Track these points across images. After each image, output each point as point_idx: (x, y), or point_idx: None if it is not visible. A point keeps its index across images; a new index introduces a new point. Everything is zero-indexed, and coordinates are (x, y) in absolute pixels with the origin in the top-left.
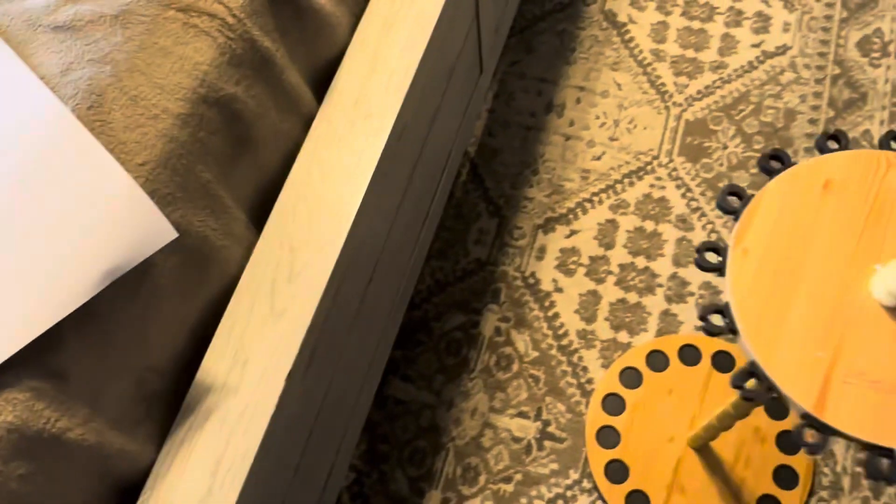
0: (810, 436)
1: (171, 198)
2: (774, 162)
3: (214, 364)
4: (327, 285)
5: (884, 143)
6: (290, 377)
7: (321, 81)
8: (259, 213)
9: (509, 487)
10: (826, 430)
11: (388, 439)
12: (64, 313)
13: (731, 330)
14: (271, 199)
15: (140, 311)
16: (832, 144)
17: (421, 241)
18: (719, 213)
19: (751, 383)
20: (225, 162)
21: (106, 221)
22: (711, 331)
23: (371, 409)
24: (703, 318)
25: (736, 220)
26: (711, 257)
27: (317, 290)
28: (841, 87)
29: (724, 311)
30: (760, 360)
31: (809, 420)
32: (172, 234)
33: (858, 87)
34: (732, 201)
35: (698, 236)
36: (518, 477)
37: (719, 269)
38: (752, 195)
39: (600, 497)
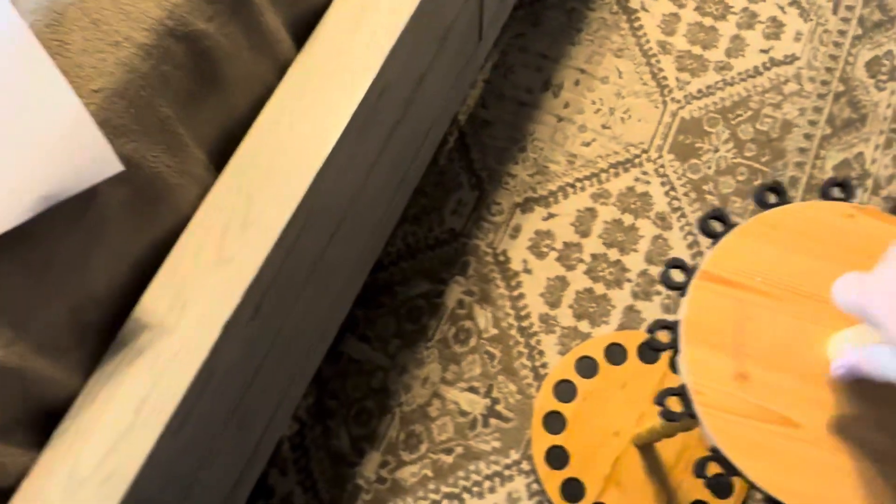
0: (674, 404)
1: (125, 129)
2: (770, 194)
3: (153, 303)
4: (280, 237)
5: (825, 193)
6: (229, 326)
7: (302, 30)
8: (221, 156)
9: (449, 459)
10: (730, 470)
11: (337, 395)
12: None
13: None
14: (236, 143)
15: (82, 240)
16: (771, 197)
17: (394, 203)
18: (698, 214)
19: (675, 404)
20: (188, 99)
21: (49, 145)
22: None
23: (323, 364)
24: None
25: (713, 243)
26: (677, 275)
27: (268, 241)
28: (842, 106)
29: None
30: (691, 385)
31: (716, 454)
32: (118, 167)
33: (859, 108)
34: (714, 225)
35: (675, 236)
36: (459, 450)
37: (682, 289)
38: (735, 224)
39: (537, 480)
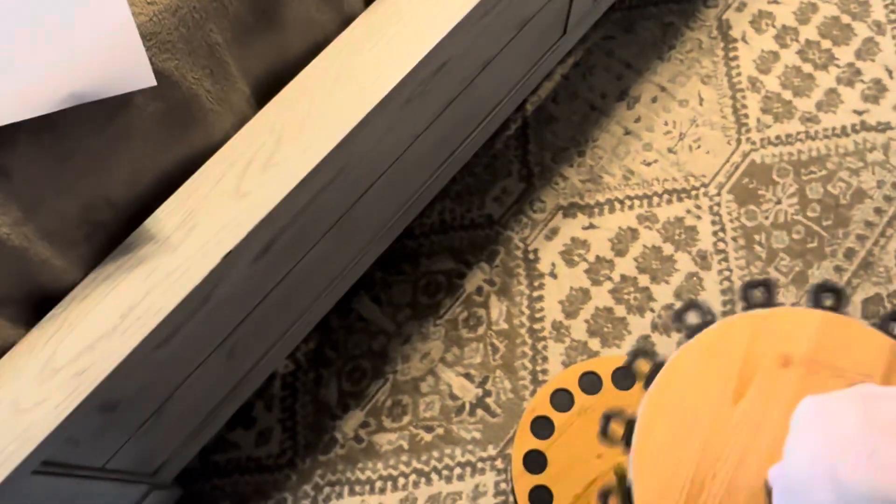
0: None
1: (170, 46)
2: (758, 291)
3: (164, 218)
4: (300, 183)
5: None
6: (230, 257)
7: None
8: (265, 93)
9: (428, 437)
10: None
11: (338, 348)
12: (17, 117)
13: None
14: (283, 84)
15: (106, 143)
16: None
17: (439, 177)
18: (741, 262)
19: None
20: (242, 31)
21: (89, 45)
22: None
23: (331, 314)
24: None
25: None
26: (692, 317)
27: (287, 185)
28: None
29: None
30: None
31: None
32: (151, 82)
33: None
34: (757, 293)
35: (711, 278)
36: (440, 431)
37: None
38: (778, 303)
39: (507, 480)
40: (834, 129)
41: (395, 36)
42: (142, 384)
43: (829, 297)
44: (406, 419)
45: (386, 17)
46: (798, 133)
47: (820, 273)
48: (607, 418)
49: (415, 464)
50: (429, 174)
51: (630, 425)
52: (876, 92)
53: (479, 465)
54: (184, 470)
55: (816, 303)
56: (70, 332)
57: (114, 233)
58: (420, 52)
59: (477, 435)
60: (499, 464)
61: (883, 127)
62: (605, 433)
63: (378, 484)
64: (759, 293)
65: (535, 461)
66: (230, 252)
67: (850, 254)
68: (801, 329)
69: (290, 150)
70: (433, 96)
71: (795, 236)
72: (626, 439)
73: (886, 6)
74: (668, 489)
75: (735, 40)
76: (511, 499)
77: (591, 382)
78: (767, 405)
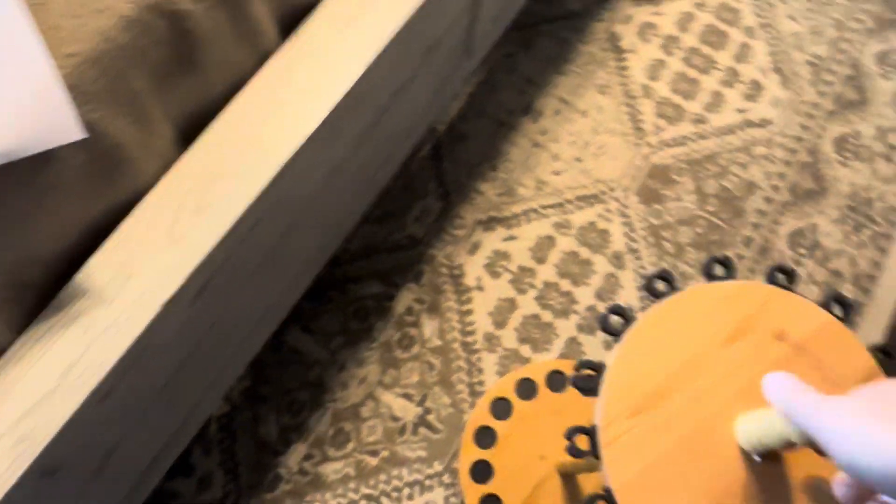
0: (582, 442)
1: (93, 97)
2: (659, 282)
3: (97, 271)
4: (234, 225)
5: (770, 278)
6: (169, 305)
7: (289, 24)
8: (190, 135)
9: (373, 461)
10: None
11: (272, 383)
12: None
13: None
14: (206, 125)
15: (30, 200)
16: (719, 270)
17: (359, 203)
18: (653, 259)
19: (583, 442)
20: (164, 76)
21: (13, 102)
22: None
23: (263, 350)
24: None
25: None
26: (616, 321)
27: (222, 228)
28: (805, 176)
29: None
30: (601, 422)
31: (608, 495)
32: (80, 134)
33: (821, 181)
34: (659, 285)
35: (627, 277)
36: (385, 454)
37: (617, 335)
38: (635, 317)
39: (456, 494)
40: (721, 128)
41: (315, 71)
42: (82, 444)
43: (782, 277)
44: (350, 446)
45: (303, 53)
46: (691, 134)
47: None
48: (570, 437)
49: (363, 489)
50: (351, 201)
51: (593, 433)
52: (754, 91)
53: (427, 482)
54: None
55: (771, 280)
56: (7, 397)
57: (44, 292)
58: (342, 87)
59: (422, 453)
60: (446, 479)
61: (764, 123)
62: (573, 453)
63: None
64: (661, 286)
65: (481, 471)
66: (169, 299)
67: (747, 241)
68: (806, 318)
69: (222, 191)
70: (352, 126)
71: (699, 230)
72: (593, 450)
73: (755, 13)
74: (632, 391)
75: (625, 51)
76: None
77: (527, 388)
78: (754, 356)
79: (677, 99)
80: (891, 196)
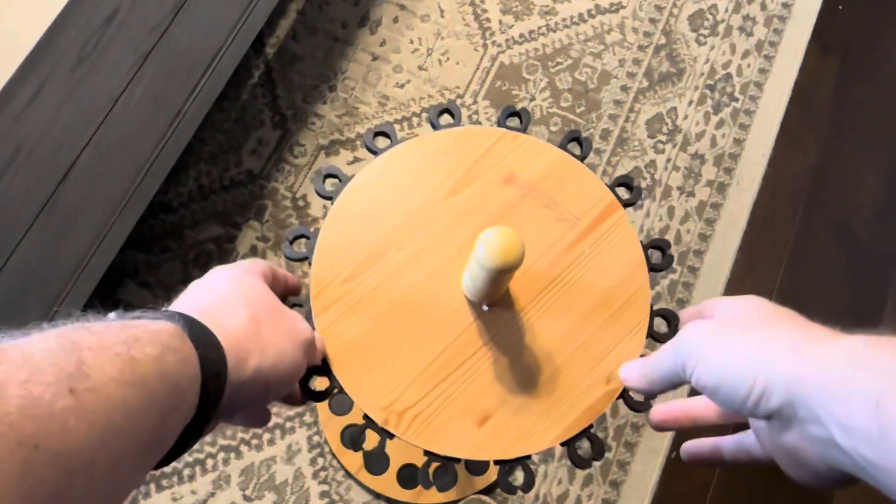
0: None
1: None
2: (515, 120)
3: None
4: None
5: (501, 122)
6: None
7: None
8: None
9: None
10: (384, 433)
11: None
12: None
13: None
14: None
15: None
16: (446, 119)
17: (171, 142)
18: None
19: (322, 384)
20: None
21: None
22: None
23: (99, 310)
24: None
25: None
26: (330, 183)
27: None
28: (662, 59)
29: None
30: (312, 292)
31: (368, 422)
32: None
33: (678, 62)
34: (329, 184)
35: None
36: None
37: (331, 199)
38: (349, 178)
39: (318, 432)
40: (572, 17)
41: None
42: None
43: (514, 119)
44: None
45: None
46: (539, 28)
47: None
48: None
49: (220, 441)
50: (157, 141)
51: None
52: None
53: (288, 424)
54: None
55: (502, 124)
56: None
57: None
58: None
59: None
60: (307, 418)
61: (616, 6)
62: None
63: (186, 472)
64: (515, 121)
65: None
66: None
67: (605, 134)
68: (536, 158)
69: None
70: (116, 52)
71: (553, 128)
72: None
73: None
74: (346, 255)
75: None
76: (326, 448)
77: None
78: (481, 204)
79: None
80: (749, 70)
